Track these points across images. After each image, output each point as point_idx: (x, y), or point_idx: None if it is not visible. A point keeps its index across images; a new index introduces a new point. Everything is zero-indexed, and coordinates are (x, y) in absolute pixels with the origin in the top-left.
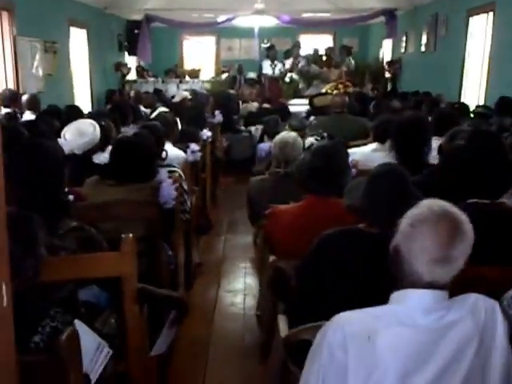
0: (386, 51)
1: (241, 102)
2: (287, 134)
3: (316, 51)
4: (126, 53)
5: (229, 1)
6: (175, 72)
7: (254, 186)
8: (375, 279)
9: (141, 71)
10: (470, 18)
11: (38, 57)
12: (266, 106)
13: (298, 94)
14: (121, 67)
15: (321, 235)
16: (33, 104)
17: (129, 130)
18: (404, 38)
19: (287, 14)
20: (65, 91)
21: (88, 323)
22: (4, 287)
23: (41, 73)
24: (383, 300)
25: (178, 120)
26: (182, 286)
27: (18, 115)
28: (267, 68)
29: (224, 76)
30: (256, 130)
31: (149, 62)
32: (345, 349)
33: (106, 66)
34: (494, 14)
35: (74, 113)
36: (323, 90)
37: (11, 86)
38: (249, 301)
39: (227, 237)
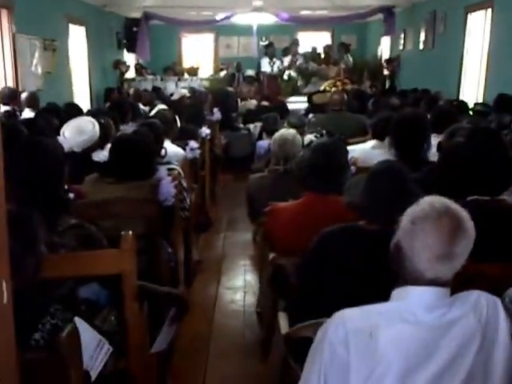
0: (384, 48)
1: (239, 100)
2: (286, 132)
3: (314, 49)
4: (125, 51)
5: None
6: (174, 70)
7: (253, 183)
8: (375, 276)
9: (139, 69)
10: (469, 15)
11: (37, 55)
12: (264, 103)
13: (296, 92)
14: (119, 65)
15: (321, 232)
16: (32, 102)
17: (128, 128)
18: (402, 36)
19: (285, 12)
20: (64, 89)
21: (88, 320)
22: (4, 284)
23: (40, 71)
24: (384, 297)
25: (176, 118)
26: (181, 283)
27: (17, 113)
28: (266, 66)
29: (222, 74)
30: (255, 127)
31: (147, 60)
32: (346, 345)
33: (104, 63)
34: (492, 11)
35: (73, 111)
36: (321, 88)
37: (10, 83)
38: (249, 298)
39: (227, 234)
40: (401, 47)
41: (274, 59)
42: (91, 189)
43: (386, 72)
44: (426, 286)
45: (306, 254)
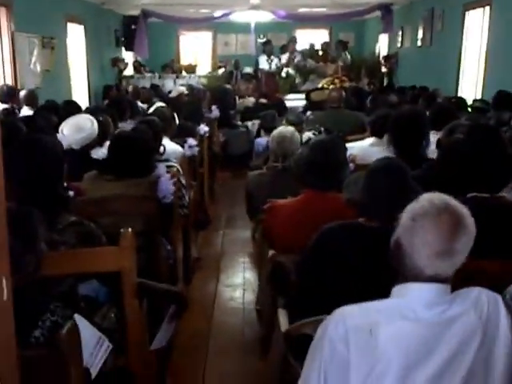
0: (382, 46)
1: (237, 97)
2: (285, 129)
3: (312, 46)
4: (123, 48)
5: None
6: (172, 67)
7: (252, 180)
8: (375, 273)
9: (138, 66)
10: (466, 13)
11: (35, 52)
12: (262, 101)
13: (294, 89)
14: (118, 63)
15: (321, 229)
16: (31, 99)
17: (126, 126)
18: (400, 33)
19: (283, 10)
20: (62, 87)
21: (87, 318)
22: (4, 281)
23: (39, 68)
24: (383, 294)
25: (175, 115)
26: (180, 280)
27: (16, 111)
28: (264, 63)
29: (221, 71)
30: (253, 125)
31: (146, 58)
32: (346, 343)
33: (103, 61)
34: (490, 8)
35: (72, 108)
36: (319, 85)
37: (9, 81)
38: (248, 295)
39: (226, 232)
40: (399, 45)
41: (272, 57)
42: (90, 186)
43: (383, 69)
44: (426, 282)
45: (306, 251)
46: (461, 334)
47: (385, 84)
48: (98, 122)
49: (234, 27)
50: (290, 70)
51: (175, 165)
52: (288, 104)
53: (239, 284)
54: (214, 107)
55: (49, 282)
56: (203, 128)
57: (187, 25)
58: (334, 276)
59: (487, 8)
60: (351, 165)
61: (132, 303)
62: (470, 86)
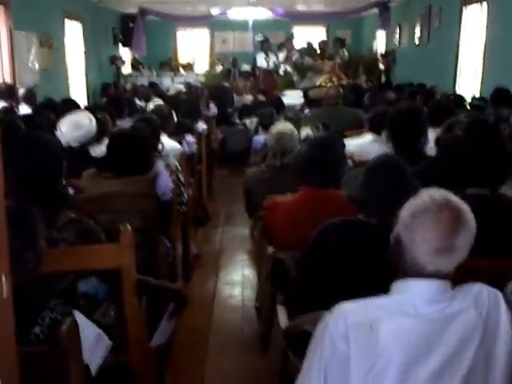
0: (379, 43)
1: (235, 95)
2: (284, 126)
3: (310, 45)
4: (121, 46)
5: None
6: (170, 65)
7: (250, 177)
8: (374, 270)
9: (136, 64)
10: (464, 9)
11: (34, 50)
12: (260, 98)
13: (292, 87)
14: (116, 60)
15: (320, 226)
16: (29, 97)
17: (124, 123)
18: (397, 30)
19: (281, 7)
20: (60, 85)
21: (87, 315)
22: (4, 279)
23: (37, 66)
24: (383, 290)
25: (173, 112)
26: (180, 277)
27: (15, 109)
28: (261, 61)
29: (219, 68)
30: (251, 122)
31: (144, 55)
32: (347, 339)
33: (101, 59)
34: (488, 5)
35: (70, 106)
36: (317, 83)
37: (7, 79)
38: (247, 292)
39: (224, 229)
40: (396, 42)
41: (270, 54)
42: (89, 184)
43: (381, 67)
44: (426, 279)
45: (306, 247)
46: (461, 330)
47: (382, 81)
48: (96, 119)
49: (231, 25)
50: (288, 68)
51: (174, 162)
52: (285, 101)
53: (238, 281)
54: (212, 105)
55: (48, 280)
56: (201, 125)
57: (185, 23)
58: (333, 272)
59: (484, 3)
60: (349, 162)
61: (131, 300)
62: (468, 83)
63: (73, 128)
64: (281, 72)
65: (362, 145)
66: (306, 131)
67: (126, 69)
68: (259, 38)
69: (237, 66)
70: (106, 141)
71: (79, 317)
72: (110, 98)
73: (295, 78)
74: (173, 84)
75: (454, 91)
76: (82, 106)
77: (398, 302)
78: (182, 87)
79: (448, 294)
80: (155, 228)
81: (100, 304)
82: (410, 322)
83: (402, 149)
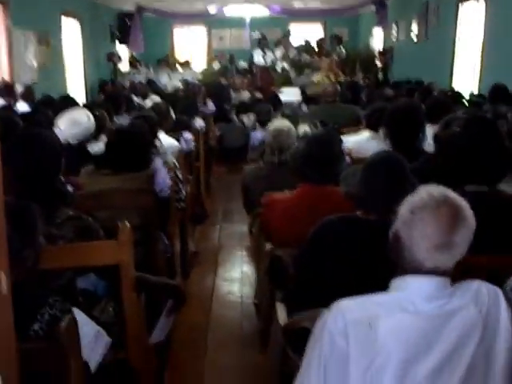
0: (376, 40)
1: (232, 91)
2: (282, 123)
3: (308, 43)
4: (118, 43)
5: None
6: (167, 62)
7: (248, 173)
8: (373, 266)
9: (133, 61)
10: (460, 5)
11: (32, 48)
12: (257, 95)
13: (289, 84)
14: (113, 57)
15: (318, 222)
16: (27, 95)
17: (122, 120)
18: (395, 27)
19: (277, 4)
20: (58, 82)
21: (86, 311)
22: (3, 276)
23: (35, 64)
24: (381, 287)
25: (171, 109)
26: (178, 274)
27: (14, 106)
28: (258, 58)
29: (216, 65)
30: (248, 119)
31: (141, 52)
32: (346, 336)
33: (98, 56)
34: (485, 1)
35: (68, 103)
36: (314, 80)
37: (6, 76)
38: (246, 289)
39: (223, 226)
40: (394, 39)
41: (267, 51)
42: (87, 180)
43: (378, 64)
44: (425, 275)
45: (304, 244)
46: (460, 327)
47: (380, 79)
48: (94, 116)
49: (228, 22)
50: (285, 65)
51: (172, 159)
52: (283, 98)
53: (237, 278)
54: (209, 102)
55: (47, 276)
56: (199, 122)
57: (182, 20)
58: (331, 269)
59: (481, 0)
60: (347, 158)
61: (130, 297)
62: (465, 80)
63: (71, 125)
64: (278, 69)
65: (360, 142)
66: (304, 128)
67: (124, 66)
68: (256, 35)
69: (234, 63)
70: (103, 138)
71: (78, 314)
72: (107, 95)
73: (292, 74)
74: (170, 81)
75: (452, 88)
76: (80, 103)
77: (396, 298)
78: (179, 84)
79: (447, 291)
80: (153, 225)
81: (99, 301)
82: (409, 318)
83: (400, 145)
